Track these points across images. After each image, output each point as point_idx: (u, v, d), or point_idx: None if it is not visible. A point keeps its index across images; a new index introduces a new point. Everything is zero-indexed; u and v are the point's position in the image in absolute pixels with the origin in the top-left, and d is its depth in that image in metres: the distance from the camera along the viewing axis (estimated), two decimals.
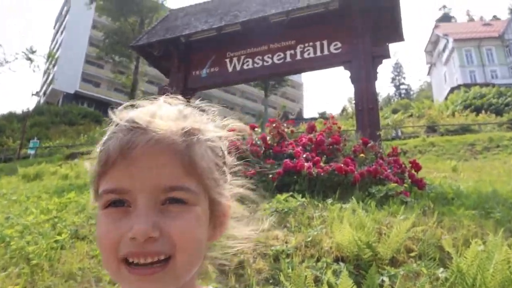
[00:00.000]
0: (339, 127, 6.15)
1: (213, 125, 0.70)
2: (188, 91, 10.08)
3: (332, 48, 8.79)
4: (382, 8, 8.51)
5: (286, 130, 5.81)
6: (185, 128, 0.63)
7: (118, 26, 39.65)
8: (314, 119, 40.43)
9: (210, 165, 0.64)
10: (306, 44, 9.10)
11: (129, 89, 40.72)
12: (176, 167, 0.59)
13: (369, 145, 5.77)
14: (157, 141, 0.59)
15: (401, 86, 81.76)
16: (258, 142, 5.42)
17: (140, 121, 0.61)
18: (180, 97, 0.71)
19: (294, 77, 77.23)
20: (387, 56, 8.29)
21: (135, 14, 39.46)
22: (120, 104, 0.68)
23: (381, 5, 8.46)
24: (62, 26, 64.11)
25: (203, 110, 0.71)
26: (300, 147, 5.42)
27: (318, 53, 8.91)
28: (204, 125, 0.67)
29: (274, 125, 5.47)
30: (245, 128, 0.77)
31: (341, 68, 8.63)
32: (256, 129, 5.86)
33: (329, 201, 4.06)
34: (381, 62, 8.28)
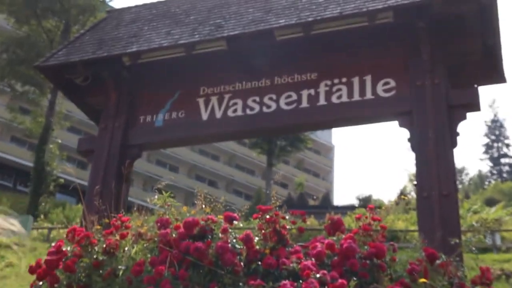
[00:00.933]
0: (383, 227, 5.98)
1: None
2: (131, 149, 10.06)
3: (379, 88, 8.84)
4: (467, 25, 8.66)
5: (289, 226, 5.70)
6: None
7: (25, 34, 40.44)
8: (351, 208, 40.32)
9: None
10: (336, 81, 9.16)
11: (37, 140, 40.94)
12: None
13: (439, 261, 5.56)
14: None
15: (502, 160, 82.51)
16: (238, 247, 5.27)
17: None
18: None
19: (319, 136, 78.40)
20: (475, 106, 8.30)
21: (57, 15, 40.43)
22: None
23: (466, 22, 8.61)
24: None
25: None
26: (313, 259, 5.27)
27: (356, 97, 8.95)
28: None
29: (267, 216, 5.28)
30: None
31: (395, 123, 8.63)
32: (236, 221, 5.68)
33: None
34: (464, 117, 8.28)
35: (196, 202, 6.38)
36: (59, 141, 43.23)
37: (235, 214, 5.80)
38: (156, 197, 6.36)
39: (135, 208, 6.91)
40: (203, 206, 6.12)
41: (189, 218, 5.52)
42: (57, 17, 40.79)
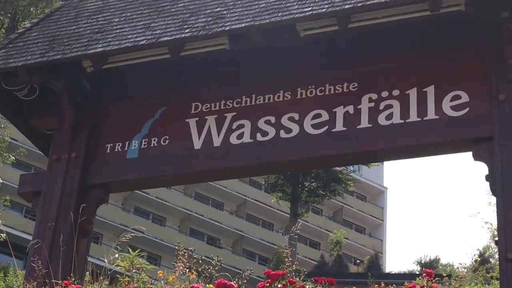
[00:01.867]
0: None
1: None
2: (92, 190, 10.02)
3: (446, 105, 8.77)
4: None
5: None
6: None
7: None
8: (410, 276, 39.98)
9: None
10: (385, 94, 9.13)
11: None
12: None
13: None
14: None
15: None
16: None
17: None
18: None
19: (365, 174, 78.04)
20: None
21: None
22: None
23: None
24: None
25: None
26: None
27: (413, 117, 8.89)
28: None
29: (279, 285, 5.21)
30: None
31: (468, 154, 8.57)
32: None
33: None
34: None
35: (175, 263, 6.23)
36: (0, 180, 43.26)
37: (232, 283, 5.64)
38: (116, 255, 6.24)
39: (88, 271, 6.79)
40: (186, 269, 5.98)
41: (166, 287, 5.40)
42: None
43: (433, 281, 6.07)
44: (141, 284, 5.98)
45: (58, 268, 7.64)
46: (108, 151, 10.13)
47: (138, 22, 10.41)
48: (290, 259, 5.97)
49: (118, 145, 10.09)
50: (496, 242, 8.51)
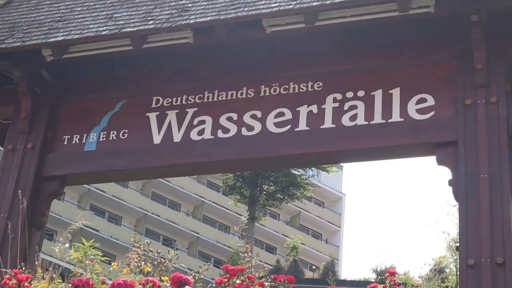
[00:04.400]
0: None
1: None
2: (48, 183, 9.93)
3: (411, 107, 8.74)
4: None
5: None
6: None
7: None
8: (364, 284, 40.16)
9: None
10: (350, 94, 9.10)
11: None
12: None
13: None
14: None
15: None
16: None
17: None
18: None
19: (324, 180, 78.29)
20: None
21: None
22: None
23: None
24: None
25: None
26: None
27: (378, 119, 8.86)
28: None
29: (237, 281, 5.16)
30: None
31: (432, 159, 8.52)
32: (189, 286, 5.47)
33: None
34: None
35: (130, 254, 6.15)
36: None
37: (187, 276, 5.54)
38: (67, 245, 6.11)
39: (39, 265, 6.68)
40: (141, 262, 5.89)
41: (120, 279, 5.27)
42: None
43: (396, 281, 6.01)
44: (94, 276, 5.87)
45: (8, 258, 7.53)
46: (65, 143, 10.03)
47: (100, 12, 10.32)
48: (250, 254, 5.90)
49: (76, 137, 10.00)
50: (457, 248, 8.51)
